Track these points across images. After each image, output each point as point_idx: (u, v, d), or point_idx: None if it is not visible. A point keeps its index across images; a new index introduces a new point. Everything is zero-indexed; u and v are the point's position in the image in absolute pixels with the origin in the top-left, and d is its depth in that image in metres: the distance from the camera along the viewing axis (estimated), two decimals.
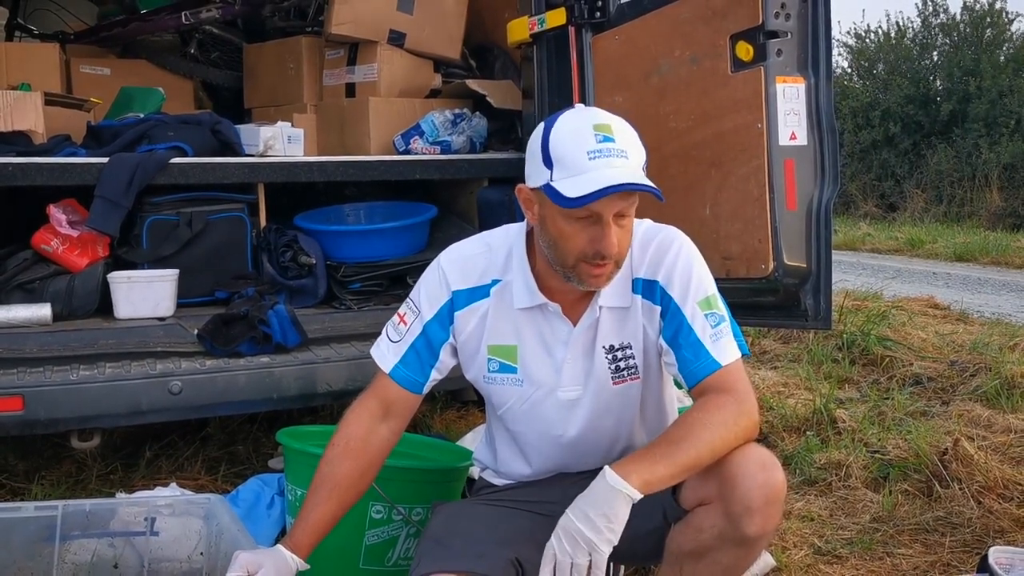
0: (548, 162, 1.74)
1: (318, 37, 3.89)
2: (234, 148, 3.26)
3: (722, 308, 1.86)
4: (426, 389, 1.95)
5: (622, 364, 1.90)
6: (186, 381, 2.62)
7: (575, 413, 1.93)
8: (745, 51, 2.54)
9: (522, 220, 1.93)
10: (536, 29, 3.12)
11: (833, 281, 2.63)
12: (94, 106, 3.69)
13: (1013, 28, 14.60)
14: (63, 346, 2.72)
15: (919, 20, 15.37)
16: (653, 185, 1.71)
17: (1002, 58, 14.12)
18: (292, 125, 3.36)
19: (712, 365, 1.79)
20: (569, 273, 1.79)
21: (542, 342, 1.91)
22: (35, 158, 2.93)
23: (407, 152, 3.48)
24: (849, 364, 4.61)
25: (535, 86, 3.18)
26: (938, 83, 14.73)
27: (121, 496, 2.64)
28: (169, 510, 2.17)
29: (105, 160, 2.98)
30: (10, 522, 2.06)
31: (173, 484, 2.80)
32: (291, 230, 3.30)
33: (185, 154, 3.10)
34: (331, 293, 3.29)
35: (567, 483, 1.90)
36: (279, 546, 1.82)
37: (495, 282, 1.91)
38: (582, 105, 1.92)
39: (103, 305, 3.01)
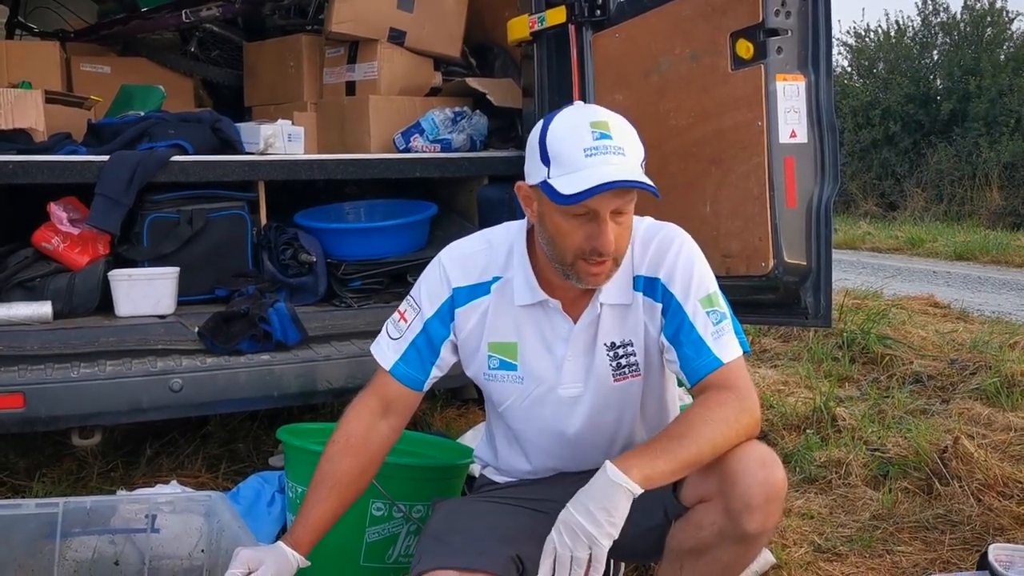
0: (545, 159, 1.74)
1: (318, 35, 3.89)
2: (234, 146, 3.27)
3: (723, 306, 1.86)
4: (427, 386, 1.96)
5: (623, 361, 1.90)
6: (187, 379, 2.62)
7: (575, 410, 1.93)
8: (745, 49, 2.54)
9: (522, 218, 1.93)
10: (536, 27, 3.12)
11: (833, 279, 2.63)
12: (94, 104, 3.69)
13: (1013, 27, 14.63)
14: (64, 344, 2.72)
15: (919, 19, 15.40)
16: (650, 182, 1.71)
17: (1002, 57, 14.13)
18: (292, 123, 3.36)
19: (714, 363, 1.79)
20: (568, 271, 1.79)
21: (542, 339, 1.91)
22: (36, 156, 2.93)
23: (407, 150, 3.48)
24: (849, 362, 4.61)
25: (535, 84, 3.19)
26: (938, 82, 14.73)
27: (122, 493, 2.64)
28: (170, 507, 2.17)
29: (106, 158, 2.98)
30: (11, 519, 2.06)
31: (174, 482, 2.81)
32: (291, 228, 3.30)
33: (185, 152, 3.10)
34: (331, 291, 3.30)
35: (568, 481, 1.90)
36: (280, 543, 1.83)
37: (496, 279, 1.91)
38: (582, 102, 1.92)
39: (104, 303, 3.01)
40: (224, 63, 4.39)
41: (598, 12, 2.95)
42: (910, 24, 15.57)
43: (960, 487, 2.91)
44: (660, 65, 2.79)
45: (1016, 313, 6.25)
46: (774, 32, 2.51)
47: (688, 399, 2.87)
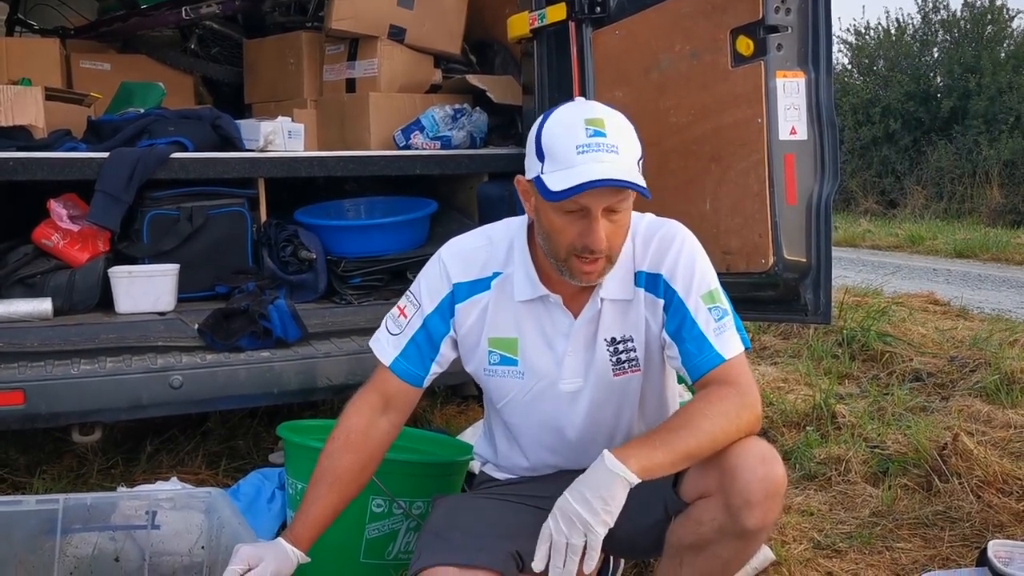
0: (540, 154, 1.75)
1: (318, 32, 3.89)
2: (234, 143, 3.27)
3: (725, 302, 1.86)
4: (426, 382, 1.96)
5: (623, 356, 1.90)
6: (187, 375, 2.62)
7: (575, 405, 1.93)
8: (745, 46, 2.54)
9: (522, 215, 1.93)
10: (536, 24, 3.12)
11: (833, 277, 2.63)
12: (94, 101, 3.69)
13: (1014, 25, 14.63)
14: (64, 340, 2.72)
15: (919, 16, 15.40)
16: (640, 182, 1.70)
17: (1002, 55, 14.13)
18: (292, 120, 3.36)
19: (716, 359, 1.80)
20: (561, 266, 1.80)
21: (543, 334, 1.91)
22: (36, 153, 2.93)
23: (407, 147, 3.48)
24: (849, 360, 4.62)
25: (535, 81, 3.19)
26: (938, 79, 14.73)
27: (122, 490, 2.64)
28: (170, 504, 2.17)
29: (106, 155, 2.98)
30: (11, 516, 2.06)
31: (174, 478, 2.81)
32: (291, 225, 3.30)
33: (185, 149, 3.10)
34: (331, 288, 3.30)
35: (568, 477, 1.90)
36: (280, 539, 1.83)
37: (496, 275, 1.92)
38: (583, 98, 1.92)
39: (104, 300, 3.01)
40: (224, 60, 4.39)
41: (598, 9, 2.95)
42: (910, 21, 15.60)
43: (960, 484, 2.91)
44: (660, 62, 2.78)
45: (1016, 310, 6.25)
46: (774, 29, 2.50)
47: (688, 396, 2.88)
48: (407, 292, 1.98)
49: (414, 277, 2.02)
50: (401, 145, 3.50)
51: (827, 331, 4.89)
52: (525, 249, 1.90)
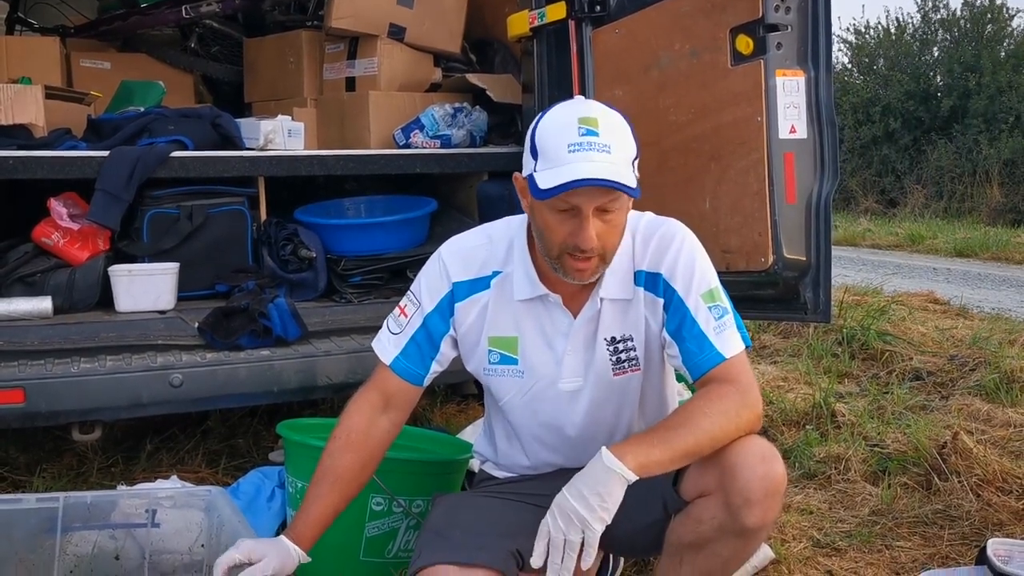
0: (534, 152, 1.75)
1: (318, 31, 3.89)
2: (234, 142, 3.27)
3: (725, 300, 1.86)
4: (427, 381, 1.96)
5: (623, 356, 1.90)
6: (187, 374, 2.62)
7: (575, 405, 1.93)
8: (745, 44, 2.54)
9: (522, 213, 1.93)
10: (536, 23, 3.12)
11: (833, 276, 2.63)
12: (94, 100, 3.69)
13: (1014, 24, 14.63)
14: (64, 339, 2.73)
15: (919, 16, 15.40)
16: (628, 183, 1.70)
17: (1002, 54, 14.13)
18: (292, 119, 3.36)
19: (716, 357, 1.80)
20: (555, 264, 1.80)
21: (542, 334, 1.92)
22: (36, 151, 2.93)
23: (407, 146, 3.49)
24: (849, 359, 4.62)
25: (535, 80, 3.19)
26: (938, 79, 14.73)
27: (122, 488, 2.64)
28: (170, 502, 2.17)
29: (106, 153, 2.98)
30: (11, 514, 2.06)
31: (174, 477, 2.81)
32: (291, 224, 3.30)
33: (185, 147, 3.10)
34: (331, 287, 3.30)
35: (568, 476, 1.90)
36: (281, 537, 1.83)
37: (496, 273, 1.92)
38: (582, 97, 1.92)
39: (104, 298, 3.01)
40: (224, 59, 4.39)
41: (598, 8, 2.95)
42: (910, 21, 15.60)
43: (959, 483, 2.91)
44: (660, 61, 2.79)
45: (1016, 309, 6.25)
46: (774, 28, 2.50)
47: (687, 395, 2.88)
48: (408, 291, 1.98)
49: (414, 276, 2.02)
50: (401, 144, 3.50)
51: (827, 330, 4.89)
52: (525, 248, 1.90)
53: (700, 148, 2.69)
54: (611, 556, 2.34)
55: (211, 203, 3.19)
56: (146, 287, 2.97)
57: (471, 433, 2.96)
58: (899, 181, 14.28)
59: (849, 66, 16.25)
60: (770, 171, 2.52)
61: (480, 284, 1.92)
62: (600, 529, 1.66)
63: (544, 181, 1.70)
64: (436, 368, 1.96)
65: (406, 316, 1.95)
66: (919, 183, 13.80)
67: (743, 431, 1.75)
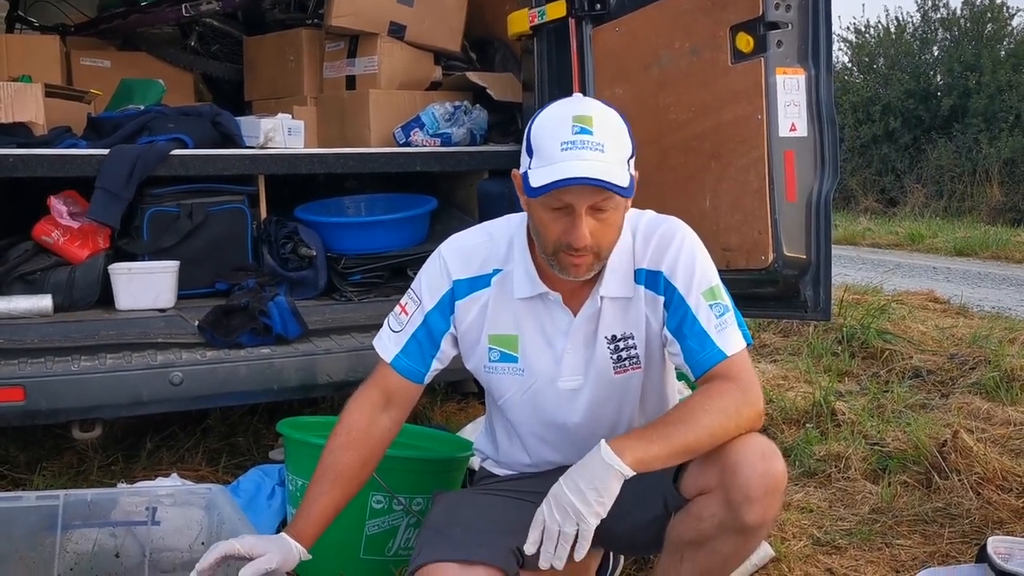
0: (529, 149, 1.76)
1: (318, 29, 3.89)
2: (234, 140, 3.27)
3: (726, 298, 1.86)
4: (427, 379, 1.96)
5: (624, 354, 1.90)
6: (187, 372, 2.62)
7: (576, 403, 1.93)
8: (745, 42, 2.54)
9: (522, 211, 1.93)
10: (536, 21, 3.12)
11: (833, 275, 2.63)
12: (94, 98, 3.69)
13: (1014, 23, 14.62)
14: (64, 337, 2.73)
15: (919, 15, 15.38)
16: (619, 182, 1.69)
17: (1002, 53, 14.12)
18: (292, 117, 3.36)
19: (718, 355, 1.80)
20: (551, 261, 1.80)
21: (542, 332, 1.92)
22: (36, 149, 2.93)
23: (407, 144, 3.49)
24: (849, 357, 4.62)
25: (535, 78, 3.18)
26: (938, 78, 14.72)
27: (122, 486, 2.64)
28: (170, 500, 2.17)
29: (106, 152, 2.99)
30: (12, 512, 2.05)
31: (174, 475, 2.81)
32: (291, 222, 3.30)
33: (185, 146, 3.11)
34: (331, 285, 3.30)
35: None
36: (283, 534, 1.82)
37: (496, 271, 1.92)
38: (580, 94, 1.91)
39: (104, 296, 3.01)
40: (224, 57, 4.39)
41: (598, 6, 2.95)
42: (910, 20, 15.59)
43: (959, 481, 2.91)
44: (660, 59, 2.78)
45: (1016, 308, 6.25)
46: (774, 25, 2.50)
47: (688, 393, 2.88)
48: (409, 289, 1.98)
49: (414, 274, 2.02)
50: (401, 142, 3.50)
51: (827, 329, 4.89)
52: (525, 246, 1.90)
53: (700, 146, 2.69)
54: (611, 554, 2.34)
55: (211, 201, 3.19)
56: (146, 285, 2.98)
57: (471, 431, 2.96)
58: (899, 180, 14.28)
59: (849, 65, 16.26)
60: (770, 169, 2.52)
61: (480, 282, 1.92)
62: (595, 523, 1.67)
63: (536, 179, 1.71)
64: (437, 366, 1.96)
65: (407, 314, 1.95)
66: (919, 182, 13.79)
67: (743, 428, 1.75)
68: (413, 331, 1.93)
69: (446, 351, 1.96)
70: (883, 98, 14.76)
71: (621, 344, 1.90)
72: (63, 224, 3.00)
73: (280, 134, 3.24)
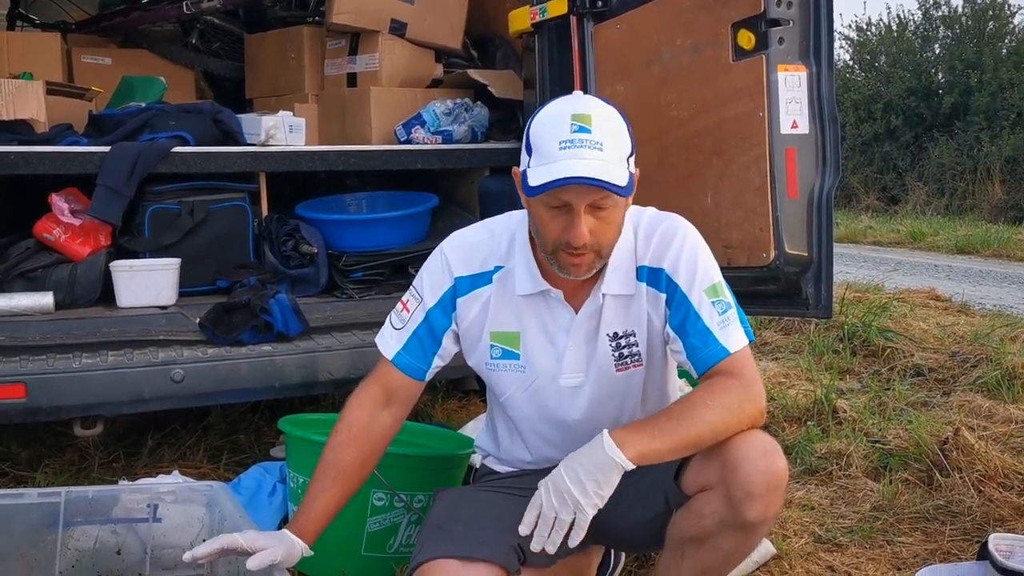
0: (528, 148, 1.76)
1: (319, 27, 3.89)
2: (236, 137, 3.27)
3: (728, 295, 1.86)
4: (428, 376, 1.96)
5: (625, 351, 1.90)
6: (188, 369, 2.63)
7: (577, 400, 1.93)
8: (747, 39, 2.54)
9: (523, 208, 1.93)
10: (538, 18, 3.11)
11: (835, 273, 2.62)
12: (95, 95, 3.69)
13: (1015, 21, 14.61)
14: (65, 334, 2.73)
15: (920, 13, 15.37)
16: (617, 181, 1.69)
17: (1004, 51, 14.11)
18: (294, 115, 3.36)
19: (721, 352, 1.79)
20: (551, 259, 1.80)
21: (544, 330, 1.91)
22: (37, 147, 2.93)
23: (408, 142, 3.48)
24: (850, 355, 4.61)
25: (536, 76, 3.18)
26: (940, 76, 14.71)
27: (124, 483, 2.64)
28: (172, 497, 2.17)
29: (107, 149, 2.99)
30: (13, 509, 2.06)
31: (175, 472, 2.81)
32: (293, 219, 3.30)
33: (187, 143, 3.11)
34: (332, 282, 3.30)
35: None
36: (284, 530, 1.83)
37: (497, 268, 1.92)
38: (580, 92, 1.91)
39: (105, 294, 3.01)
40: (225, 55, 4.39)
41: (599, 3, 2.95)
42: (911, 18, 15.57)
43: (961, 478, 2.91)
44: (661, 56, 2.78)
45: (1018, 306, 6.24)
46: (775, 22, 2.50)
47: (688, 390, 2.88)
48: (410, 286, 1.98)
49: (415, 271, 2.02)
50: (402, 139, 3.50)
51: (828, 326, 4.89)
52: (526, 243, 1.90)
53: (702, 143, 2.69)
54: (612, 551, 2.34)
55: (212, 199, 3.19)
56: (147, 283, 2.98)
57: (472, 429, 2.96)
58: (900, 178, 14.27)
59: (850, 63, 16.24)
60: (772, 166, 2.52)
61: (482, 279, 1.92)
62: (592, 514, 1.67)
63: (534, 178, 1.70)
64: (438, 363, 1.96)
65: (408, 311, 1.95)
66: (920, 180, 13.79)
67: (745, 425, 1.75)
68: (415, 328, 1.93)
69: (448, 348, 1.96)
70: (884, 96, 14.74)
71: (623, 341, 1.90)
72: (64, 221, 3.00)
73: (281, 131, 3.24)
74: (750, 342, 1.86)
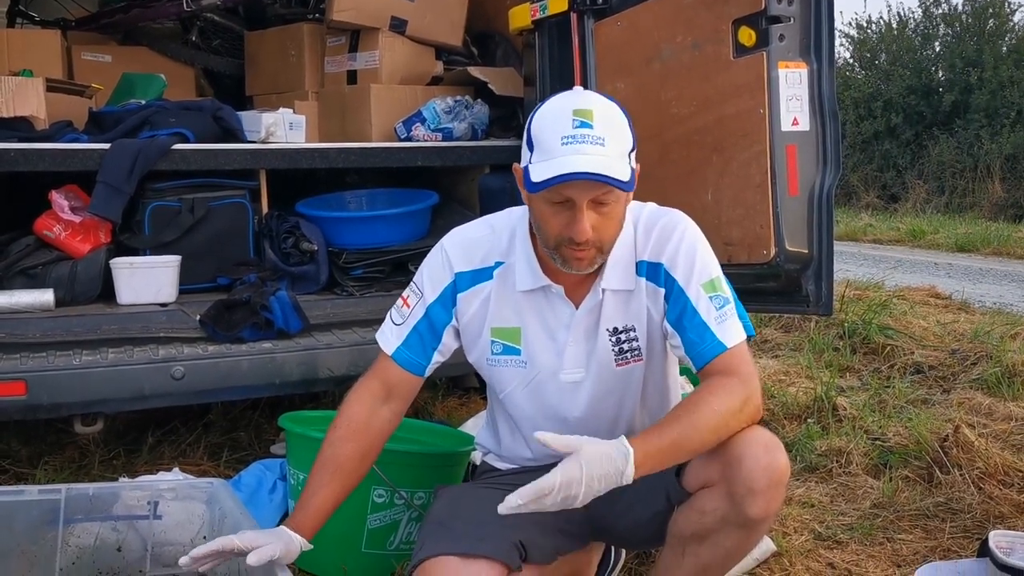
0: (529, 144, 1.76)
1: (319, 24, 3.89)
2: (236, 134, 3.26)
3: (727, 290, 1.86)
4: (428, 371, 1.96)
5: (625, 346, 1.90)
6: (188, 366, 2.62)
7: (577, 395, 1.93)
8: (747, 36, 2.54)
9: (523, 205, 1.93)
10: (538, 15, 3.12)
11: (835, 270, 2.62)
12: (96, 92, 3.69)
13: (1015, 19, 14.60)
14: (66, 331, 2.73)
15: (920, 10, 15.36)
16: (620, 176, 1.69)
17: (1004, 49, 14.10)
18: (294, 112, 3.36)
19: (718, 347, 1.80)
20: (554, 254, 1.80)
21: (544, 325, 1.92)
22: (37, 144, 2.93)
23: (409, 139, 3.48)
24: (850, 353, 4.62)
25: (537, 73, 3.19)
26: (940, 74, 14.70)
27: (124, 480, 2.64)
28: (172, 494, 2.17)
29: (107, 146, 2.98)
30: (13, 506, 2.05)
31: (176, 469, 2.81)
32: (293, 216, 3.30)
33: (187, 140, 3.10)
34: (333, 279, 3.30)
35: None
36: (282, 527, 1.82)
37: (498, 264, 1.92)
38: (580, 88, 1.91)
39: (105, 291, 3.01)
40: (225, 52, 4.39)
41: (600, 0, 2.95)
42: (911, 15, 15.56)
43: (961, 476, 2.91)
44: (662, 53, 2.78)
45: (1017, 304, 6.25)
46: (776, 19, 2.50)
47: (688, 388, 2.88)
48: (411, 282, 1.98)
49: (416, 269, 2.02)
50: (402, 137, 3.50)
51: (828, 324, 4.90)
52: (527, 239, 1.90)
53: (702, 140, 2.69)
54: (613, 548, 2.34)
55: (213, 196, 3.19)
56: (148, 280, 2.97)
57: (472, 426, 2.96)
58: (900, 176, 14.26)
59: (851, 61, 16.23)
60: (772, 163, 2.52)
61: (483, 275, 1.92)
62: (578, 507, 1.65)
63: (537, 174, 1.70)
64: (438, 359, 1.96)
65: (408, 307, 1.95)
66: (920, 178, 13.78)
67: (745, 423, 1.75)
68: (415, 323, 1.93)
69: (448, 343, 1.96)
70: (884, 94, 14.74)
71: (623, 336, 1.90)
72: (64, 218, 2.99)
73: (281, 129, 3.24)
74: (750, 337, 1.86)
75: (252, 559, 1.70)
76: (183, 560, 1.75)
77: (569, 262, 1.79)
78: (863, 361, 4.55)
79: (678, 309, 1.84)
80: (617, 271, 1.87)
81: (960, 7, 14.85)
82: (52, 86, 3.39)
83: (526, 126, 1.79)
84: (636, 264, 1.88)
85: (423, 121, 3.47)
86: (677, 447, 1.69)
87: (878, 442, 3.35)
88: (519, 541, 1.81)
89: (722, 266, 1.91)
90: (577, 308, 1.89)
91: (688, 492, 1.81)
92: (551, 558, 1.90)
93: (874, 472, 3.16)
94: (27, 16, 4.50)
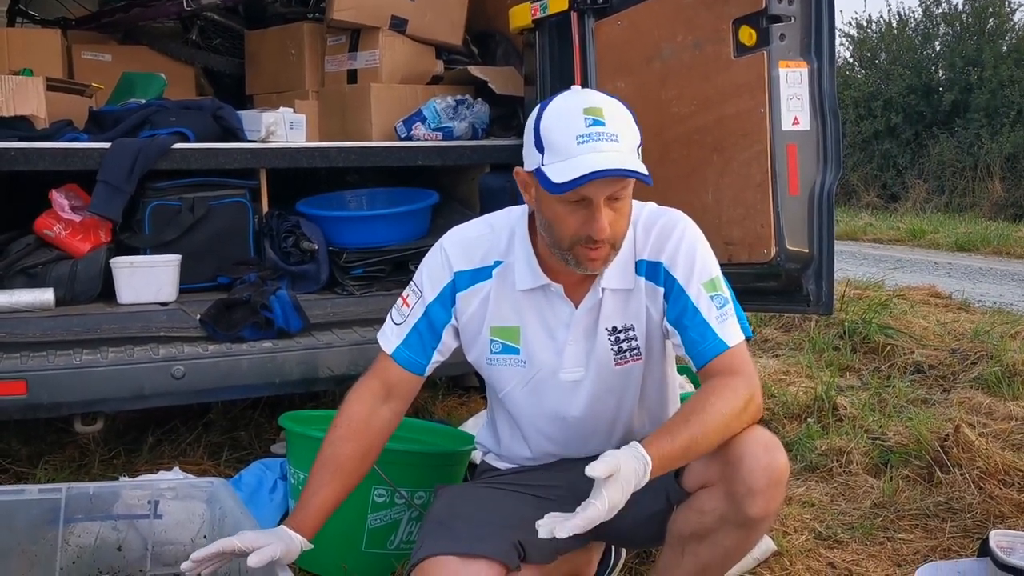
0: (539, 146, 1.74)
1: (320, 23, 3.89)
2: (236, 134, 3.26)
3: (726, 290, 1.86)
4: (428, 371, 1.96)
5: (624, 345, 1.90)
6: (189, 366, 2.62)
7: (577, 395, 1.93)
8: (748, 35, 2.53)
9: (523, 204, 1.93)
10: (538, 15, 3.11)
11: (835, 269, 2.62)
12: (96, 92, 3.69)
13: (1015, 18, 14.59)
14: (66, 331, 2.73)
15: (920, 10, 15.35)
16: (641, 170, 1.70)
17: (1004, 48, 14.09)
18: (294, 111, 3.36)
19: (720, 346, 1.80)
20: (566, 255, 1.80)
21: (544, 324, 1.92)
22: (37, 143, 2.93)
23: (409, 138, 3.48)
24: (850, 352, 4.62)
25: (537, 72, 3.18)
26: (940, 73, 14.69)
27: (124, 480, 2.64)
28: (172, 493, 2.17)
29: (107, 145, 2.98)
30: (14, 505, 2.06)
31: (176, 468, 2.81)
32: (293, 216, 3.30)
33: (187, 139, 3.10)
34: (333, 279, 3.29)
35: (569, 465, 1.91)
36: (282, 526, 1.82)
37: (497, 263, 1.92)
38: (579, 87, 1.91)
39: (105, 290, 3.01)
40: (225, 51, 4.39)
41: None
42: (912, 15, 15.56)
43: (961, 475, 2.91)
44: (662, 52, 2.78)
45: (1017, 304, 6.25)
46: (777, 19, 2.50)
47: (688, 387, 2.88)
48: (411, 281, 1.98)
49: (416, 268, 2.02)
50: (403, 136, 3.50)
51: (828, 324, 4.90)
52: (526, 238, 1.90)
53: (703, 140, 2.69)
54: (613, 548, 2.34)
55: (213, 195, 3.19)
56: (148, 279, 2.97)
57: (472, 426, 2.96)
58: (900, 176, 14.26)
59: (851, 60, 16.22)
60: (773, 163, 2.52)
61: (482, 274, 1.92)
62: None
63: (556, 175, 1.69)
64: (438, 358, 1.96)
65: (408, 306, 1.95)
66: (920, 178, 13.78)
67: (747, 423, 1.75)
68: (415, 323, 1.93)
69: (447, 343, 1.96)
70: (884, 93, 14.74)
71: (622, 335, 1.90)
72: (65, 218, 2.99)
73: (282, 128, 3.23)
74: (748, 338, 1.86)
75: (253, 560, 1.70)
76: (185, 565, 1.75)
77: (583, 262, 1.79)
78: (863, 360, 4.55)
79: (678, 308, 1.84)
80: (616, 270, 1.87)
81: (960, 6, 14.86)
82: (52, 85, 3.39)
83: (531, 128, 1.77)
84: (635, 263, 1.88)
85: (423, 120, 3.47)
86: (688, 450, 1.69)
87: (878, 442, 3.35)
88: (518, 541, 1.81)
89: (722, 266, 1.91)
90: (576, 307, 1.89)
91: (687, 492, 1.81)
92: (551, 558, 1.90)
93: (874, 472, 3.16)
94: (27, 15, 4.50)
